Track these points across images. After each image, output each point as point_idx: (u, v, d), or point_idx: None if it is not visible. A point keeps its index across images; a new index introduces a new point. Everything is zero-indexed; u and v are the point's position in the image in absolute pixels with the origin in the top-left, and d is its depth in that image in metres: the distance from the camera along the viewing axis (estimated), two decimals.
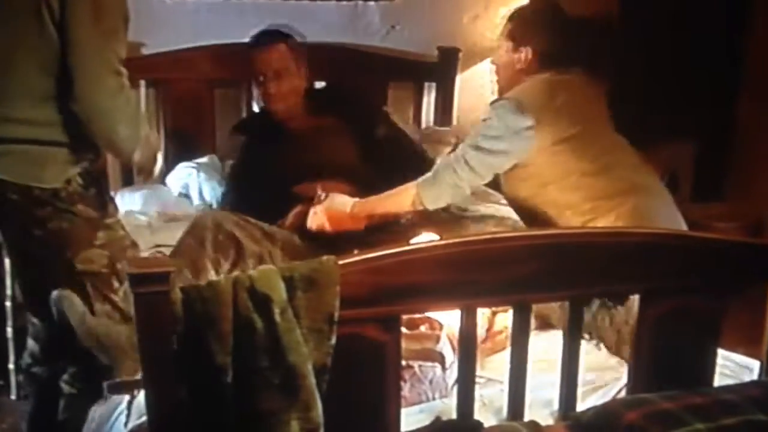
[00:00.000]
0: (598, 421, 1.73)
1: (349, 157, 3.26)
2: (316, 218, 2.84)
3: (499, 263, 1.74)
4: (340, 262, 1.67)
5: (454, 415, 1.88)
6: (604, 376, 2.17)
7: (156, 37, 3.59)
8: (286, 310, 1.63)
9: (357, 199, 2.85)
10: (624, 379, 2.09)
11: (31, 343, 2.48)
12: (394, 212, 2.81)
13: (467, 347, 1.80)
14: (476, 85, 4.08)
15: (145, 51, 3.64)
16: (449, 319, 2.13)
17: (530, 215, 2.75)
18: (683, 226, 2.65)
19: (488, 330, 2.32)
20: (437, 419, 1.84)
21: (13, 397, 3.22)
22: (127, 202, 3.45)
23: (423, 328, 2.11)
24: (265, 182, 3.15)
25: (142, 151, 2.41)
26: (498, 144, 2.62)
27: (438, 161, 2.77)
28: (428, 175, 2.70)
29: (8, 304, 3.16)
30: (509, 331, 2.26)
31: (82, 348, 2.23)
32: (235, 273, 1.70)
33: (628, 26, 4.33)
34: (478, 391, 1.90)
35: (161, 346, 1.61)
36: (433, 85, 4.06)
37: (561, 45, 2.75)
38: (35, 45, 2.20)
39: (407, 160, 3.27)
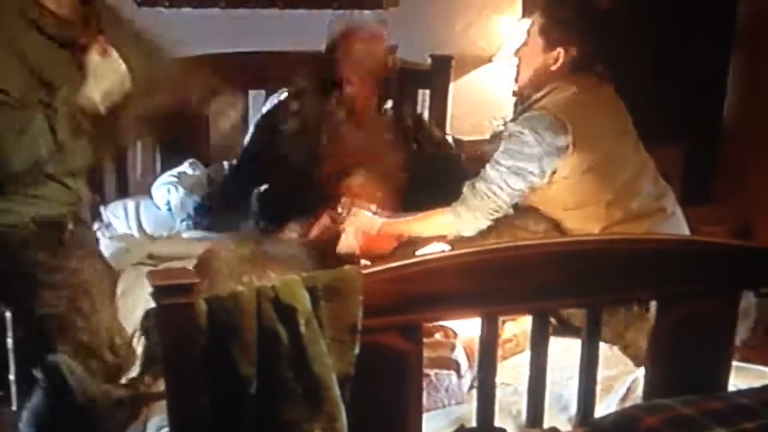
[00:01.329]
0: (617, 427, 1.74)
1: (392, 166, 3.09)
2: (347, 244, 2.74)
3: (519, 271, 1.76)
4: (363, 272, 1.68)
5: (471, 420, 1.90)
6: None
7: None
8: (311, 321, 1.64)
9: (384, 219, 2.77)
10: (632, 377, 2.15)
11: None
12: (427, 237, 2.68)
13: (488, 355, 1.81)
14: (470, 93, 4.09)
15: None
16: (463, 327, 2.14)
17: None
18: None
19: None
20: (461, 427, 1.86)
21: (13, 408, 3.19)
22: (119, 214, 3.45)
23: (438, 336, 2.12)
24: (292, 159, 3.04)
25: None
26: (531, 163, 2.50)
27: (465, 187, 2.63)
28: (459, 204, 2.60)
29: (8, 314, 3.14)
30: (519, 339, 2.31)
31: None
32: (258, 284, 1.70)
33: (618, 32, 4.38)
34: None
35: (185, 357, 1.62)
36: (427, 92, 4.07)
37: (596, 47, 2.61)
38: None
39: (449, 180, 2.93)
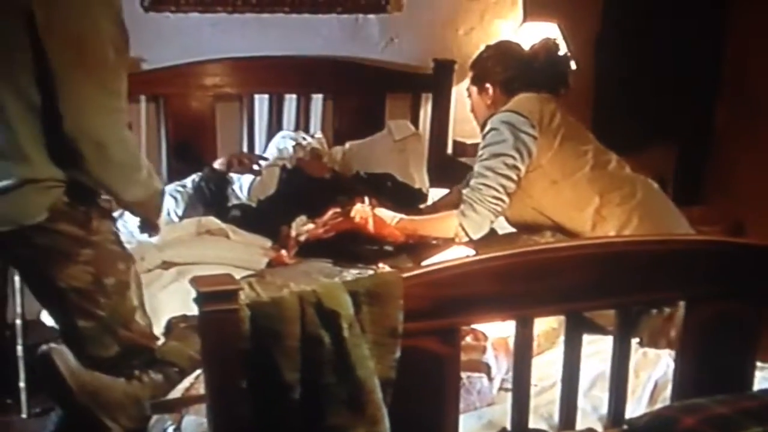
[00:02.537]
0: (654, 427, 1.76)
1: None
2: (362, 212, 2.92)
3: (549, 274, 1.78)
4: (403, 276, 1.70)
5: (503, 421, 1.92)
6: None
7: (158, 52, 3.58)
8: (354, 325, 1.65)
9: (402, 215, 2.95)
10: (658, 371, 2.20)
11: None
12: (436, 237, 2.89)
13: (523, 357, 1.83)
14: None
15: (146, 66, 3.63)
16: (489, 328, 2.16)
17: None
18: (685, 223, 2.82)
19: None
20: (503, 430, 1.87)
21: (23, 415, 3.18)
22: (129, 220, 3.44)
23: (469, 339, 2.13)
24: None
25: (144, 195, 2.41)
26: (506, 145, 2.72)
27: (463, 189, 2.89)
28: (462, 205, 2.78)
29: (18, 322, 3.13)
30: (540, 339, 2.32)
31: (77, 404, 2.23)
32: (299, 289, 1.71)
33: (611, 35, 4.43)
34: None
35: (227, 363, 1.62)
36: (430, 96, 4.10)
37: (517, 72, 2.89)
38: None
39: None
